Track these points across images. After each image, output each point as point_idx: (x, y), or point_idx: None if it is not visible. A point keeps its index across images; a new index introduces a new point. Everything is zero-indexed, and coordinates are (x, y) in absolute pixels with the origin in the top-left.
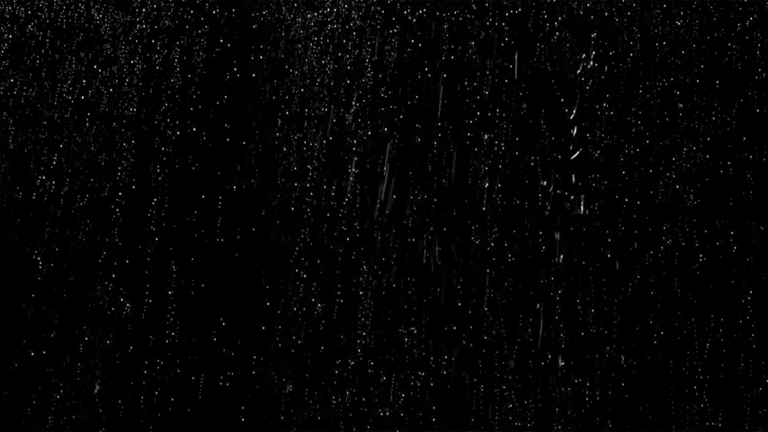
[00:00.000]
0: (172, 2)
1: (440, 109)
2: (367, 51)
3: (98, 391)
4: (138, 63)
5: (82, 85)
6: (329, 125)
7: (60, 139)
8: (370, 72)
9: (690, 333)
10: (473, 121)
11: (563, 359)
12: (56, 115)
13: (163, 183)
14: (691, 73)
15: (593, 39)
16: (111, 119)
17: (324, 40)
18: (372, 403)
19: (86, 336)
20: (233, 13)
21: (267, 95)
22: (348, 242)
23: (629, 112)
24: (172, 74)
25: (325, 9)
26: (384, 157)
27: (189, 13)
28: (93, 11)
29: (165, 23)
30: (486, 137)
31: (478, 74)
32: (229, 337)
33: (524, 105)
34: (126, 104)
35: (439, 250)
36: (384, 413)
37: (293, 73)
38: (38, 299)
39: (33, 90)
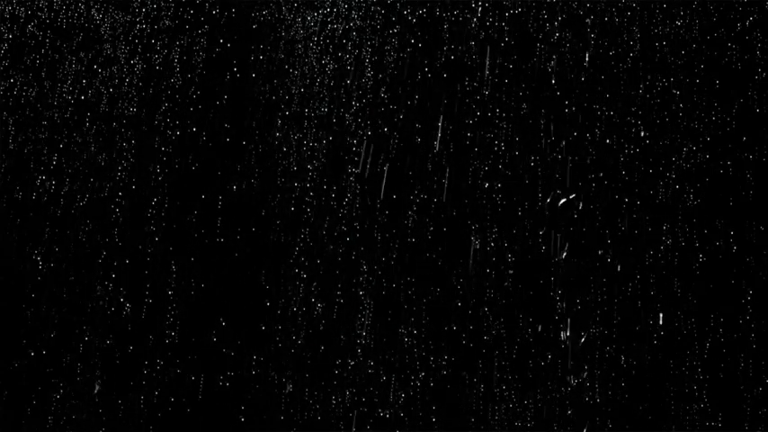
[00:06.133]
0: (172, 2)
1: (440, 109)
2: (367, 51)
3: (98, 391)
4: (138, 63)
5: (82, 85)
6: (329, 125)
7: (60, 139)
8: (370, 72)
9: (690, 333)
10: (473, 121)
11: (563, 359)
12: (56, 115)
13: (163, 183)
14: (691, 73)
15: (593, 39)
16: (111, 119)
17: (324, 40)
18: (372, 403)
19: (86, 336)
20: (233, 13)
21: (267, 95)
22: (348, 242)
23: (629, 112)
24: (172, 74)
25: (325, 9)
26: (384, 157)
27: (189, 13)
28: (93, 11)
29: (165, 23)
30: (486, 137)
31: (478, 74)
32: (229, 337)
33: (524, 105)
34: (126, 104)
35: (439, 250)
36: (384, 413)
37: (293, 73)
38: (38, 299)
39: (33, 90)
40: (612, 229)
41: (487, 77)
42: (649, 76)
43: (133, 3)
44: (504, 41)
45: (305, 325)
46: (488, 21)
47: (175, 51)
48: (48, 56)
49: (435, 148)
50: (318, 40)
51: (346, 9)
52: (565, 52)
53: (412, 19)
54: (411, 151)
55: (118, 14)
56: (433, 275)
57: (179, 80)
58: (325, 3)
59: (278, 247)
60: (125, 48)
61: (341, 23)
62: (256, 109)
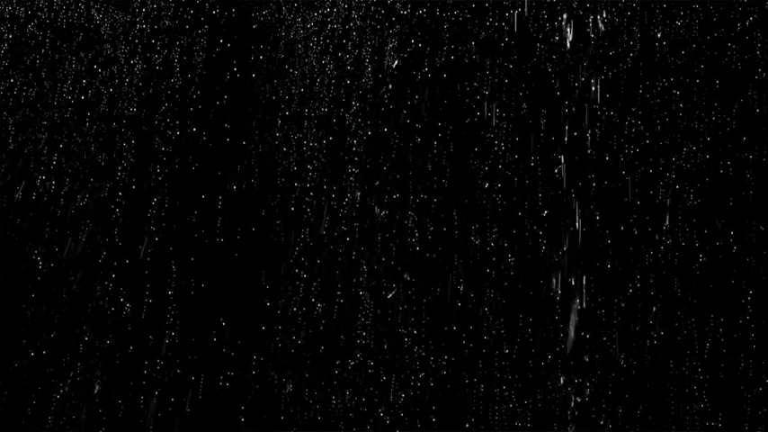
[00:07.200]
0: (172, 2)
1: (440, 109)
2: (367, 51)
3: (98, 391)
4: (138, 63)
5: (82, 85)
6: (329, 125)
7: (60, 139)
8: (370, 72)
9: (690, 333)
10: (473, 120)
11: (563, 359)
12: (56, 115)
13: (163, 183)
14: (691, 73)
15: (593, 39)
16: (111, 119)
17: (324, 40)
18: (372, 403)
19: (86, 336)
20: (233, 13)
21: (267, 95)
22: (348, 242)
23: (629, 112)
24: (172, 74)
25: (325, 9)
26: (384, 157)
27: (189, 13)
28: (93, 11)
29: (165, 23)
30: (486, 137)
31: (478, 74)
32: (229, 337)
33: (524, 105)
34: (126, 104)
35: (439, 250)
36: (384, 413)
37: (293, 73)
38: (38, 299)
39: (33, 90)
40: (612, 229)
41: (487, 77)
42: (649, 76)
43: (133, 3)
44: (504, 41)
45: (305, 325)
46: (488, 21)
47: (175, 51)
48: (48, 56)
49: (435, 148)
50: (318, 40)
51: (346, 9)
52: (565, 52)
53: (412, 19)
54: (411, 151)
55: (118, 14)
56: (433, 275)
57: (179, 80)
58: (325, 3)
59: (278, 247)
60: (125, 48)
61: (341, 23)
62: (256, 109)
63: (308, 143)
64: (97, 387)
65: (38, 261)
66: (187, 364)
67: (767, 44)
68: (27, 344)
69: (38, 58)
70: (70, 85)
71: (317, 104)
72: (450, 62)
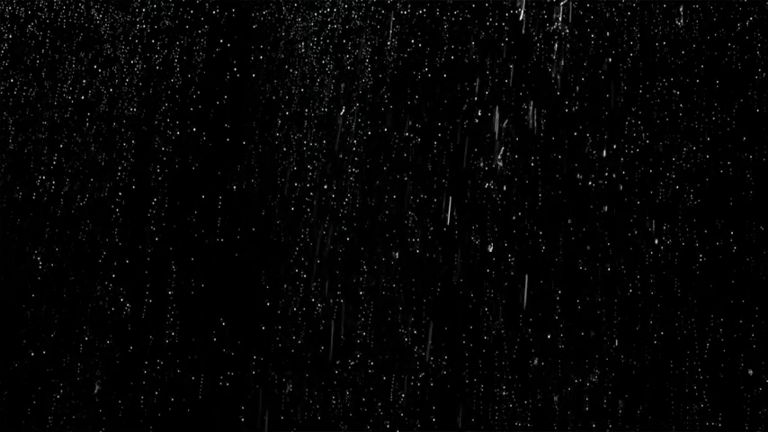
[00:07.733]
0: (172, 2)
1: (440, 109)
2: (367, 51)
3: (98, 391)
4: (138, 63)
5: (82, 85)
6: (329, 125)
7: (60, 139)
8: (369, 72)
9: (690, 333)
10: (473, 121)
11: (563, 359)
12: (56, 115)
13: (163, 183)
14: (691, 73)
15: (593, 39)
16: (111, 119)
17: (324, 40)
18: (372, 403)
19: (86, 336)
20: (233, 13)
21: (267, 95)
22: (348, 242)
23: (629, 112)
24: (172, 74)
25: (325, 9)
26: (384, 157)
27: (189, 13)
28: (93, 11)
29: (165, 23)
30: (486, 137)
31: (478, 74)
32: (229, 337)
33: (524, 105)
34: (126, 104)
35: (439, 250)
36: (384, 413)
37: (293, 73)
38: (38, 299)
39: (33, 90)
40: (612, 229)
41: (488, 77)
42: (649, 76)
43: (133, 3)
44: (504, 41)
45: (305, 325)
46: (488, 21)
47: (175, 51)
48: (48, 56)
49: (435, 150)
50: (318, 40)
51: (346, 9)
52: (565, 52)
53: (412, 19)
54: (411, 151)
55: (118, 14)
56: (433, 275)
57: (179, 80)
58: (325, 3)
59: (278, 247)
60: (125, 48)
61: (341, 23)
62: (256, 109)
63: (308, 143)
64: (97, 387)
65: (38, 261)
66: (187, 364)
67: (767, 44)
68: (27, 344)
69: (38, 58)
70: (70, 85)
71: (316, 104)
72: (450, 62)
